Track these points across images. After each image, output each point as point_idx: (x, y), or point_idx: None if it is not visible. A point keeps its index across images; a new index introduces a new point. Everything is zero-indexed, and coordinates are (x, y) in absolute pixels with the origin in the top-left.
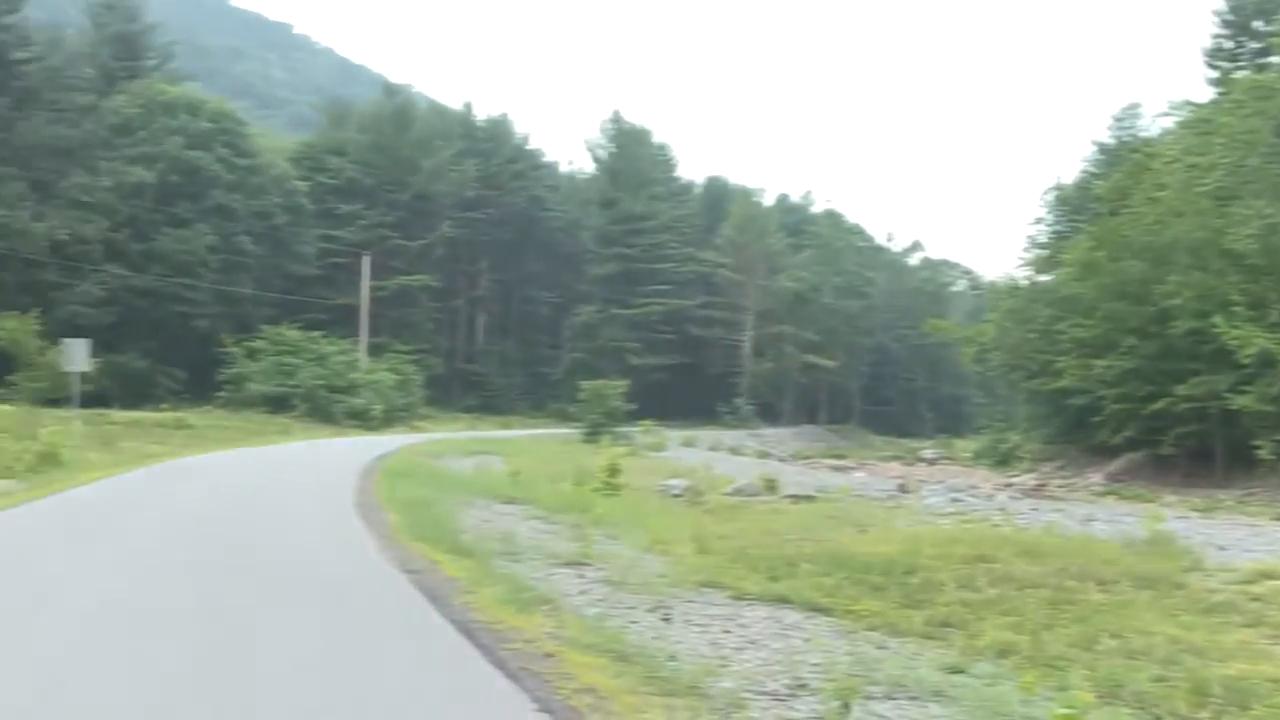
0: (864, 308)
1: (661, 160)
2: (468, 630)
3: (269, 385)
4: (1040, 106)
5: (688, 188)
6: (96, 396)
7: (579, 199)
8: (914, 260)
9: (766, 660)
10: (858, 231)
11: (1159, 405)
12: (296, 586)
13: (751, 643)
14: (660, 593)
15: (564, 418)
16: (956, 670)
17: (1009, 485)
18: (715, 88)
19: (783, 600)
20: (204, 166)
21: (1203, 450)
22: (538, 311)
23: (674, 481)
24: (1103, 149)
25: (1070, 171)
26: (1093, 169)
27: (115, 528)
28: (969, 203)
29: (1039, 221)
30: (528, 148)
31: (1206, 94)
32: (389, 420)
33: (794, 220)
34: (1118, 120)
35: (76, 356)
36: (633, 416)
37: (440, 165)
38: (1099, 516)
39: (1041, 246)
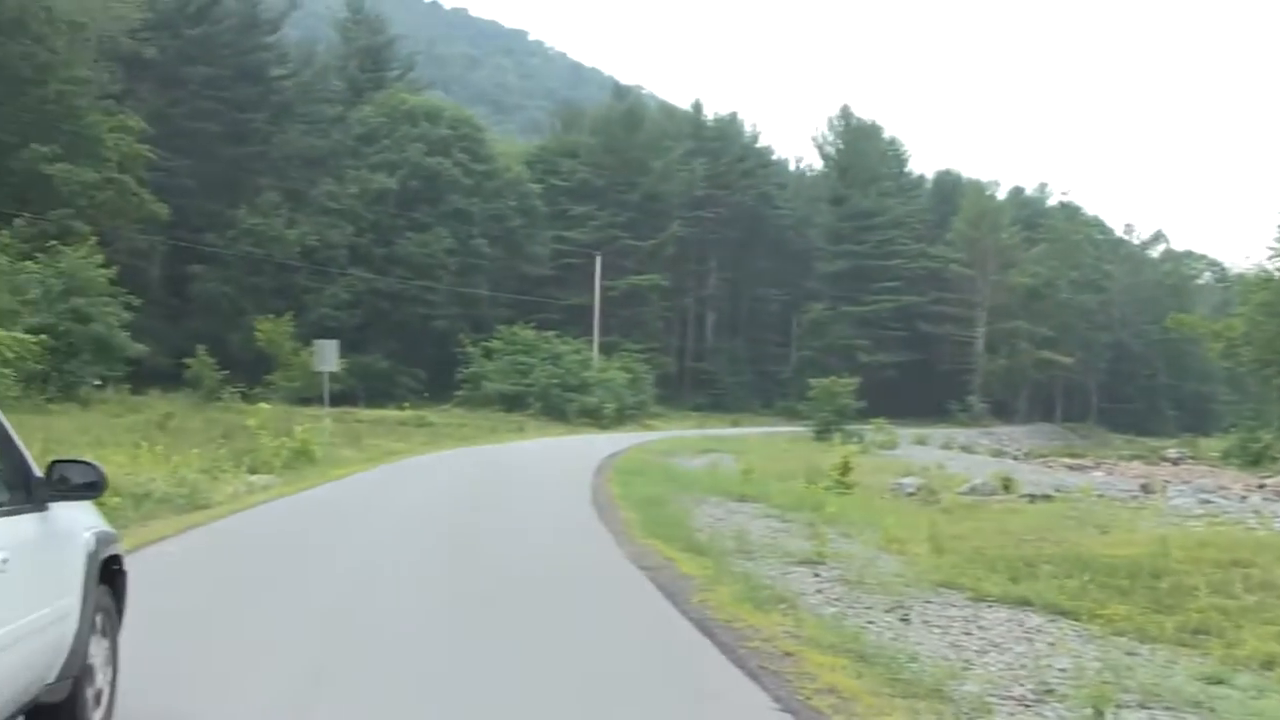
0: (1101, 302)
1: (891, 155)
2: (706, 628)
3: (505, 384)
4: None
5: (918, 182)
6: (343, 395)
7: (807, 196)
8: (1155, 252)
9: (1010, 664)
10: (1095, 224)
11: None
12: (537, 577)
13: (994, 646)
14: (897, 593)
15: (793, 415)
16: (1215, 681)
17: (1262, 486)
18: (946, 79)
19: (1024, 602)
20: (443, 172)
21: None
22: (766, 309)
23: (907, 480)
24: None
25: None
26: None
27: (373, 514)
28: (1216, 191)
29: None
30: (756, 146)
31: None
32: (620, 418)
33: (1028, 213)
34: None
35: (328, 357)
36: (862, 414)
37: (669, 165)
38: None
39: None
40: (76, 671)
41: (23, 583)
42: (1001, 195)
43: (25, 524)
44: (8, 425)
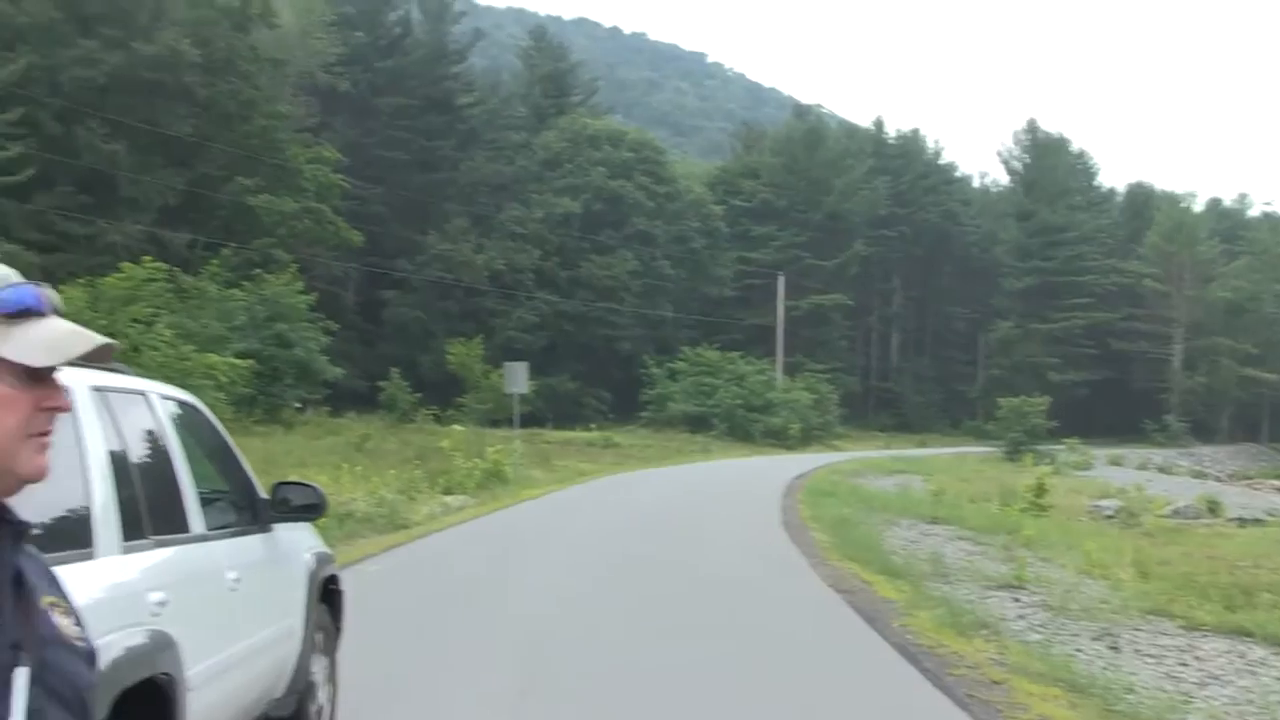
0: None
1: (1080, 168)
2: (909, 654)
3: (689, 405)
4: None
5: (1108, 196)
6: (531, 417)
7: (993, 212)
8: None
9: (1235, 699)
10: None
11: None
12: (735, 598)
13: (1214, 678)
14: (1104, 619)
15: (981, 436)
16: None
17: None
18: (1137, 89)
19: (1243, 633)
20: (625, 195)
21: None
22: (952, 328)
23: (1105, 502)
24: None
25: None
26: None
27: (570, 533)
28: None
29: None
30: (939, 163)
31: None
32: (806, 439)
33: (1227, 226)
34: None
35: (518, 379)
36: (1053, 434)
37: (851, 184)
38: None
39: None
40: (301, 688)
41: (253, 602)
42: (1198, 207)
43: (253, 545)
44: (236, 449)
